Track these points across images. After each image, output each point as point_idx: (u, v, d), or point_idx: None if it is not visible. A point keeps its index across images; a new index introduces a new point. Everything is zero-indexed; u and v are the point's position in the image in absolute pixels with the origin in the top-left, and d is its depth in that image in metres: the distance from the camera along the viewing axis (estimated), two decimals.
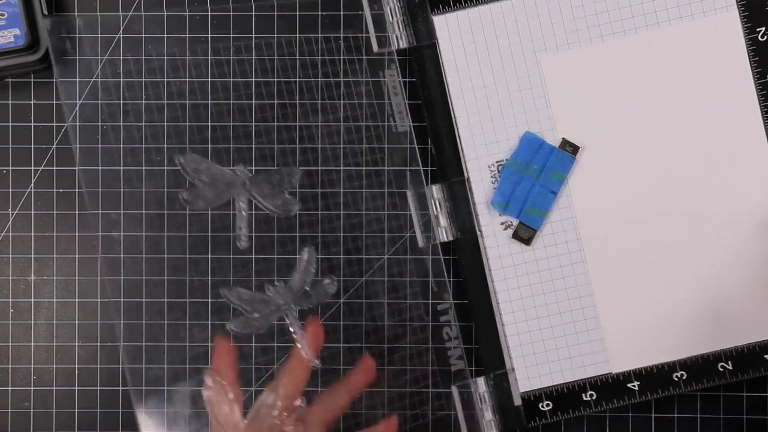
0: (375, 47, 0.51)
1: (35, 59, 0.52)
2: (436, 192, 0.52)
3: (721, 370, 0.51)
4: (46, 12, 0.52)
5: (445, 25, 0.51)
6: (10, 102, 0.54)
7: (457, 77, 0.51)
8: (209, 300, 0.53)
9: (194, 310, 0.53)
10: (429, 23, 0.51)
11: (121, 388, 0.54)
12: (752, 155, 0.50)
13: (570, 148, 0.51)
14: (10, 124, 0.54)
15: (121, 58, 0.54)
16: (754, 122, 0.51)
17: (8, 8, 0.51)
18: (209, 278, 0.54)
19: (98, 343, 0.54)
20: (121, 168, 0.54)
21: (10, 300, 0.54)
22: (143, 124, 0.54)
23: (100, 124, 0.54)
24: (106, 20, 0.54)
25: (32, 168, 0.54)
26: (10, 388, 0.54)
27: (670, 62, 0.51)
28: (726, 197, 0.51)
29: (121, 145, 0.54)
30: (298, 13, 0.53)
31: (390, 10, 0.51)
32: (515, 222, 0.51)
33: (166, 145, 0.54)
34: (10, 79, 0.54)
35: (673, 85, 0.51)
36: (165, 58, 0.54)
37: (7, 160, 0.54)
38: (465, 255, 0.51)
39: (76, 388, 0.54)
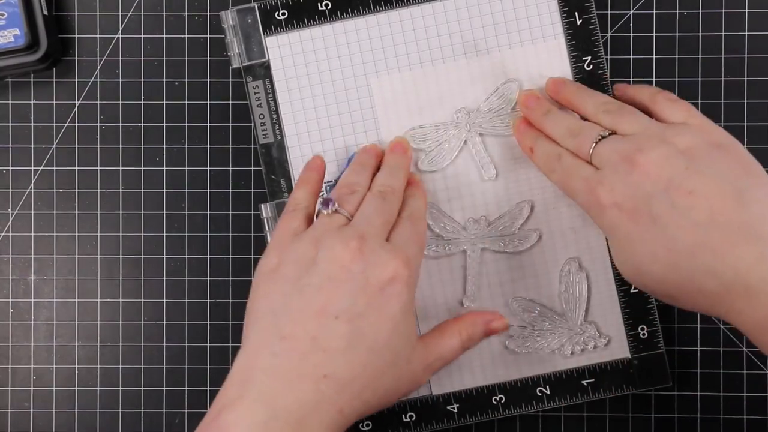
0: (234, 63, 0.52)
1: (35, 59, 0.52)
2: (265, 211, 0.52)
3: (539, 394, 0.51)
4: (46, 12, 0.52)
5: (277, 45, 0.52)
6: (10, 102, 0.54)
7: (288, 97, 0.52)
8: (208, 300, 0.54)
9: (193, 309, 0.54)
10: (261, 43, 0.51)
11: (120, 388, 0.54)
12: None
13: None
14: (10, 124, 0.54)
15: (120, 58, 0.54)
16: None
17: (8, 8, 0.51)
18: (208, 278, 0.54)
19: (98, 343, 0.54)
20: (121, 168, 0.54)
21: (10, 300, 0.54)
22: (142, 124, 0.54)
23: (99, 124, 0.54)
24: (105, 20, 0.54)
25: (32, 168, 0.54)
26: (10, 388, 0.54)
27: (501, 85, 0.52)
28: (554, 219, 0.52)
29: (120, 145, 0.54)
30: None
31: (229, 28, 0.51)
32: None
33: (165, 146, 0.54)
34: (10, 79, 0.54)
35: (506, 108, 0.52)
36: (164, 58, 0.54)
37: (7, 160, 0.54)
38: None
39: (76, 388, 0.54)
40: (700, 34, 0.53)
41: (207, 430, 0.40)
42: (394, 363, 0.42)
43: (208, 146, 0.54)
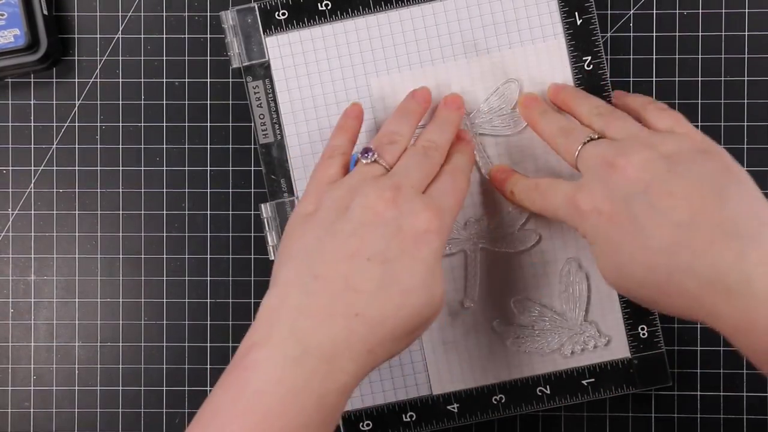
0: (234, 63, 0.52)
1: (35, 59, 0.52)
2: (265, 211, 0.52)
3: (539, 394, 0.51)
4: (46, 12, 0.52)
5: (277, 45, 0.52)
6: (10, 102, 0.54)
7: (288, 97, 0.52)
8: (208, 300, 0.54)
9: (193, 309, 0.54)
10: (261, 43, 0.51)
11: (120, 388, 0.54)
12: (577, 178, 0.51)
13: None
14: (10, 124, 0.54)
15: (120, 58, 0.54)
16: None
17: (8, 8, 0.51)
18: (208, 278, 0.54)
19: (98, 343, 0.54)
20: (120, 168, 0.54)
21: (10, 300, 0.54)
22: (142, 124, 0.54)
23: (99, 124, 0.54)
24: (105, 21, 0.54)
25: (32, 168, 0.54)
26: (10, 388, 0.54)
27: (501, 86, 0.52)
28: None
29: (120, 146, 0.54)
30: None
31: (229, 28, 0.51)
32: None
33: (165, 146, 0.54)
34: (10, 79, 0.54)
35: (506, 108, 0.52)
36: (164, 58, 0.54)
37: (7, 160, 0.54)
38: None
39: (76, 388, 0.54)
40: (700, 34, 0.53)
41: (236, 370, 0.39)
42: (430, 304, 0.42)
43: (208, 146, 0.54)
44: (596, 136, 0.45)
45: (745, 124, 0.53)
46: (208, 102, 0.54)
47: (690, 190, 0.40)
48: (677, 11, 0.53)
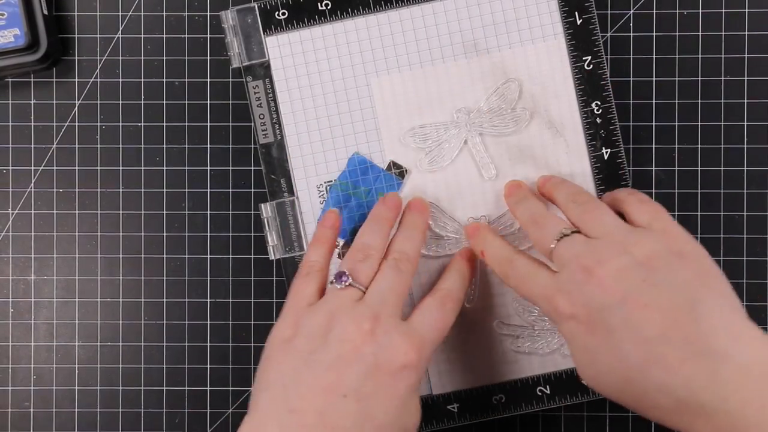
0: (234, 63, 0.52)
1: (35, 59, 0.52)
2: (265, 210, 0.52)
3: (539, 394, 0.51)
4: (46, 12, 0.52)
5: (277, 45, 0.52)
6: (10, 102, 0.54)
7: (288, 97, 0.52)
8: (208, 300, 0.54)
9: (193, 309, 0.54)
10: (261, 43, 0.51)
11: (121, 387, 0.54)
12: (577, 179, 0.51)
13: (397, 171, 0.51)
14: (10, 124, 0.54)
15: (120, 58, 0.54)
16: (579, 148, 0.52)
17: (8, 8, 0.51)
18: (208, 278, 0.54)
19: (98, 343, 0.54)
20: (121, 168, 0.54)
21: (10, 300, 0.54)
22: (142, 124, 0.54)
23: (99, 124, 0.54)
24: (105, 21, 0.54)
25: (32, 168, 0.54)
26: (10, 388, 0.54)
27: (501, 85, 0.52)
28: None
29: (120, 145, 0.54)
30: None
31: (229, 28, 0.51)
32: (341, 242, 0.51)
33: (165, 146, 0.54)
34: (10, 79, 0.54)
35: (506, 108, 0.52)
36: (164, 58, 0.54)
37: (7, 160, 0.54)
38: (293, 274, 0.52)
39: (76, 387, 0.54)
40: (700, 34, 0.53)
41: None
42: None
43: (208, 146, 0.54)
44: (569, 231, 0.44)
45: (745, 123, 0.53)
46: (208, 102, 0.54)
47: (664, 302, 0.40)
48: (677, 11, 0.53)
